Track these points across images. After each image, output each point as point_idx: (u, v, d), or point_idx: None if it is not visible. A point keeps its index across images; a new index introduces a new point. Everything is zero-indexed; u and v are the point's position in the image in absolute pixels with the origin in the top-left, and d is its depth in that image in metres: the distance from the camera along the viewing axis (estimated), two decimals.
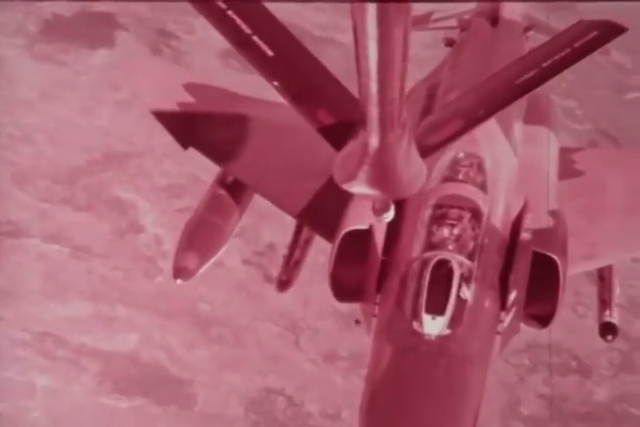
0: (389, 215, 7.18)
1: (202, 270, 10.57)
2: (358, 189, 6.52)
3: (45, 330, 19.35)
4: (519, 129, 10.72)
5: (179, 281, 10.50)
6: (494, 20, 12.63)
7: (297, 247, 11.32)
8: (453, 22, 13.40)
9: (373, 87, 5.37)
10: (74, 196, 21.33)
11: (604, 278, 11.24)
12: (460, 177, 9.19)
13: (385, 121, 5.77)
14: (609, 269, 11.18)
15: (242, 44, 7.02)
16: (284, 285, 11.17)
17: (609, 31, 8.38)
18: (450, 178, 9.18)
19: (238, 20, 7.14)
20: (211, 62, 24.97)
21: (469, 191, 9.03)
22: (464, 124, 8.09)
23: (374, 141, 6.01)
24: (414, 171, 6.58)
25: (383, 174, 6.30)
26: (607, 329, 10.75)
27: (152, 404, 18.64)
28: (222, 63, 24.88)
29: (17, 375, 18.65)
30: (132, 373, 18.95)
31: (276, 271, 11.68)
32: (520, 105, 10.85)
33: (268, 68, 7.09)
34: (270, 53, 6.97)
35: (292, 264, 11.27)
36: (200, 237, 10.74)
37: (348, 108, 6.83)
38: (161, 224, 21.03)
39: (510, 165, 9.99)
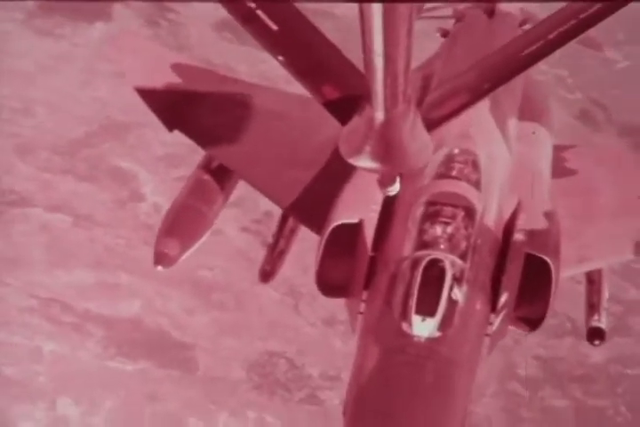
0: (395, 188, 7.11)
1: (184, 257, 10.24)
2: (364, 163, 6.42)
3: (51, 296, 19.77)
4: (514, 126, 10.50)
5: (159, 268, 10.11)
6: (490, 11, 12.36)
7: (282, 237, 11.05)
8: (449, 12, 13.05)
9: (378, 62, 5.35)
10: (75, 166, 21.70)
11: (593, 282, 10.99)
12: (455, 174, 8.92)
13: (390, 96, 5.74)
14: (598, 272, 10.93)
15: (246, 18, 6.68)
16: (267, 275, 10.90)
17: (613, 2, 7.99)
18: (444, 174, 8.92)
19: None
20: (206, 34, 25.29)
21: (464, 189, 8.75)
22: (469, 98, 7.78)
23: (380, 116, 5.98)
24: (420, 144, 6.49)
25: (389, 148, 6.24)
26: (595, 334, 10.56)
27: (156, 367, 19.06)
28: (217, 35, 25.22)
29: (24, 340, 19.07)
30: (135, 337, 19.35)
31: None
32: (515, 101, 10.75)
33: (273, 43, 6.79)
34: (275, 28, 6.66)
35: (276, 254, 10.99)
36: (182, 223, 10.47)
37: (353, 83, 6.58)
38: (160, 193, 21.37)
39: (504, 163, 9.76)
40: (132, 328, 19.34)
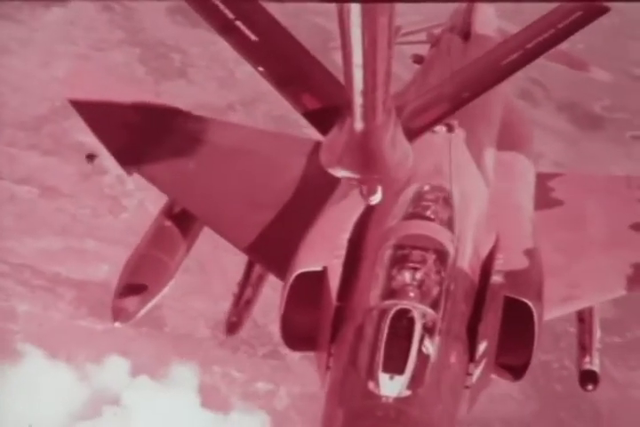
0: (377, 198, 6.77)
1: (143, 312, 9.53)
2: (344, 173, 6.20)
3: (22, 262, 20.70)
4: (491, 156, 9.86)
5: (117, 324, 9.46)
6: (466, 35, 11.83)
7: (248, 285, 10.19)
8: (423, 37, 12.74)
9: (358, 73, 5.27)
10: (40, 141, 22.61)
11: (584, 321, 10.06)
12: (424, 213, 8.26)
13: (370, 106, 5.63)
14: (589, 311, 10.00)
15: (225, 29, 6.59)
16: (233, 327, 10.00)
17: (592, 12, 7.82)
18: (413, 215, 8.27)
19: (221, 6, 6.70)
20: (159, 18, 26.27)
21: (434, 230, 8.06)
22: (449, 107, 7.66)
23: (360, 126, 5.82)
24: (401, 154, 6.26)
25: (369, 158, 6.04)
26: (587, 378, 9.71)
27: (125, 326, 19.81)
28: (170, 19, 26.19)
29: None
30: (105, 299, 19.74)
31: None
32: (493, 129, 10.31)
33: (253, 54, 6.66)
34: (254, 38, 6.55)
35: (242, 304, 10.11)
36: (142, 275, 9.65)
37: (333, 93, 6.45)
38: None
39: (481, 197, 9.12)
40: (102, 290, 19.83)
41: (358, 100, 5.54)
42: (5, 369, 18.53)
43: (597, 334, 10.00)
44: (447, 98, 7.71)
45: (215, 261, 20.84)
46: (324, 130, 6.40)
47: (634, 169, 24.69)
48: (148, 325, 19.90)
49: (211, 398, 19.09)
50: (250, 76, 26.93)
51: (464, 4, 12.35)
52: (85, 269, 20.71)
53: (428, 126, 7.64)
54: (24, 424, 17.33)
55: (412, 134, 6.81)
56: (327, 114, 6.40)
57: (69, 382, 18.39)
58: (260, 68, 6.68)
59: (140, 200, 21.40)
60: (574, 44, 26.47)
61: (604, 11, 7.83)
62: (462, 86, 7.80)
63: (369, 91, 5.45)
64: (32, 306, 20.08)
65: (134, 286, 9.56)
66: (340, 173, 6.23)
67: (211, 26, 6.66)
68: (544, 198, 10.05)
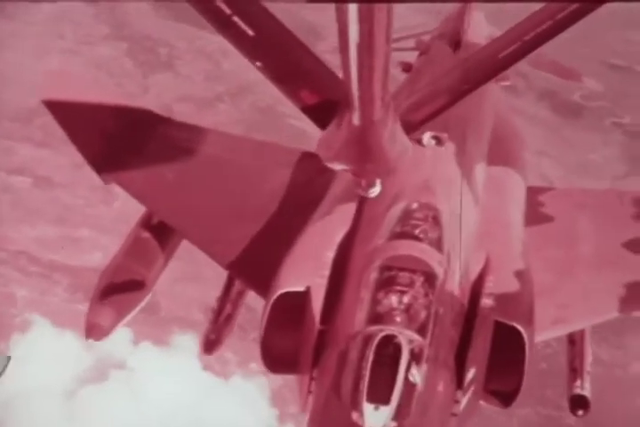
0: (375, 191, 6.78)
1: (119, 327, 9.25)
2: (342, 167, 6.27)
3: (19, 249, 21.32)
4: (482, 171, 9.46)
5: (91, 340, 9.06)
6: (456, 43, 11.50)
7: (228, 301, 9.92)
8: (411, 44, 12.49)
9: (355, 69, 5.36)
10: (32, 133, 23.06)
11: (574, 343, 9.78)
12: (413, 233, 7.90)
13: (368, 102, 5.69)
14: (581, 333, 9.71)
15: (222, 24, 6.42)
16: (211, 345, 9.73)
17: (589, 3, 7.57)
18: (400, 234, 7.91)
19: (218, 1, 6.47)
20: (144, 12, 26.76)
21: (423, 251, 7.69)
22: (448, 99, 7.61)
23: (358, 122, 5.88)
24: (400, 148, 6.31)
25: (368, 152, 6.08)
26: (578, 403, 9.34)
27: None
28: (155, 13, 26.70)
29: None
30: None
31: None
32: (483, 144, 9.92)
33: (250, 49, 6.52)
34: (251, 33, 6.39)
35: (222, 320, 9.84)
36: (118, 288, 9.36)
37: (331, 88, 6.43)
38: None
39: (470, 215, 8.73)
40: (96, 277, 20.40)
41: (356, 95, 5.64)
42: (13, 339, 19.13)
43: (589, 357, 9.73)
44: (446, 91, 7.68)
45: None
46: (322, 124, 6.44)
47: (610, 156, 25.44)
48: (143, 311, 20.32)
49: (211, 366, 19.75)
50: (236, 68, 27.41)
51: (455, 11, 12.19)
52: (80, 257, 21.20)
53: (427, 119, 7.63)
54: (32, 390, 17.91)
55: (411, 127, 6.89)
56: (325, 108, 6.41)
57: (75, 349, 18.95)
58: (258, 64, 6.56)
59: None
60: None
61: (602, 1, 7.47)
62: (462, 78, 7.74)
63: (367, 86, 5.53)
64: (30, 292, 20.70)
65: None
66: (337, 166, 6.30)
67: (207, 21, 6.47)
68: (534, 214, 9.71)
